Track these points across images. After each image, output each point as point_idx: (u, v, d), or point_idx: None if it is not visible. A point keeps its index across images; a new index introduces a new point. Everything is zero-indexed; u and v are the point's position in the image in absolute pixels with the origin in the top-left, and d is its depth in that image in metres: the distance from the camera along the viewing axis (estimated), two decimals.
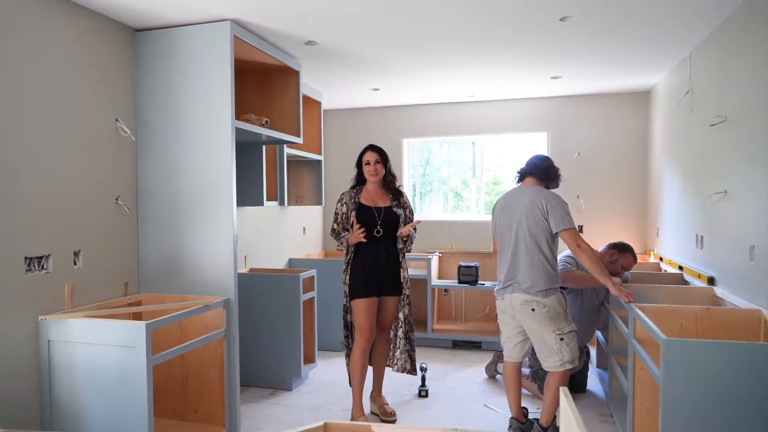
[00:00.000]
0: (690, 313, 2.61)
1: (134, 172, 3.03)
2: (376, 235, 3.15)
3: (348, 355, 3.27)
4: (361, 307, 3.14)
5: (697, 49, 3.52)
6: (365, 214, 3.17)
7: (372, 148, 3.25)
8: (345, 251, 3.23)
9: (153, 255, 3.03)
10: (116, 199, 2.89)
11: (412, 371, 3.32)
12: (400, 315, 3.29)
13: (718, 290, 3.04)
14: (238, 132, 3.17)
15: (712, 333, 2.56)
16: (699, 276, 3.35)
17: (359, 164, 3.26)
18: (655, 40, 3.40)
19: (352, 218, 3.18)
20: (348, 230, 3.20)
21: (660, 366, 2.08)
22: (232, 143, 2.91)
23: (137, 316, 2.85)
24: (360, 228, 3.11)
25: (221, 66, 2.89)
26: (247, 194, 3.80)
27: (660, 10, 2.85)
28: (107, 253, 2.83)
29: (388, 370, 3.43)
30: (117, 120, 2.89)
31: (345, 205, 3.21)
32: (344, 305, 3.25)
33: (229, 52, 2.88)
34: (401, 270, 3.26)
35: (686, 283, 3.55)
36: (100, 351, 2.37)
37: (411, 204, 3.38)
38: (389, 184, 3.26)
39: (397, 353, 3.32)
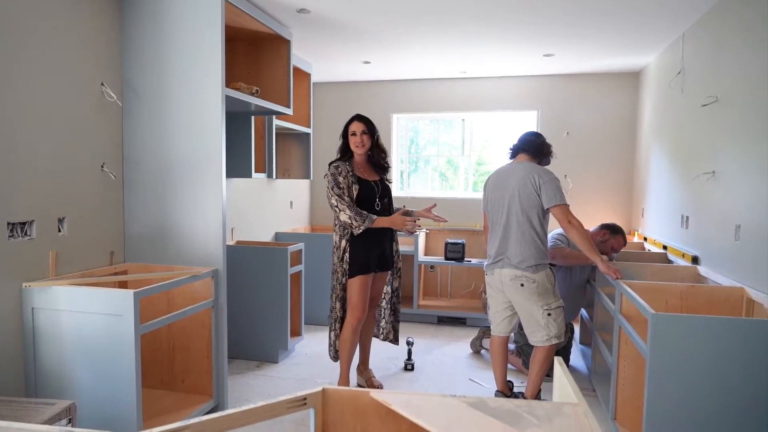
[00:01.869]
0: (675, 290, 2.66)
1: (120, 139, 2.95)
2: (377, 209, 3.06)
3: (332, 330, 3.17)
4: (361, 284, 3.05)
5: (690, 30, 3.52)
6: (367, 189, 3.05)
7: (359, 117, 3.11)
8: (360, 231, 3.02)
9: (140, 224, 2.97)
10: (102, 166, 2.81)
11: (394, 341, 3.40)
12: (389, 287, 3.31)
13: (702, 269, 3.09)
14: (228, 101, 3.09)
15: (696, 310, 2.61)
16: (683, 255, 3.41)
17: (345, 134, 3.12)
18: (648, 20, 3.38)
19: (406, 210, 3.24)
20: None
21: (647, 340, 2.12)
22: (222, 111, 2.84)
23: (123, 285, 2.80)
24: (413, 221, 3.03)
25: (211, 31, 2.80)
26: (236, 165, 3.74)
27: None
28: (93, 221, 2.77)
29: (375, 342, 3.45)
30: (102, 84, 2.80)
31: (346, 178, 3.01)
32: (341, 283, 3.09)
33: (220, 16, 2.79)
34: (394, 244, 3.25)
35: (670, 262, 3.61)
36: (86, 319, 2.33)
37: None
38: (376, 158, 3.15)
39: (383, 323, 3.37)
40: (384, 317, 3.37)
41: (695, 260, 3.24)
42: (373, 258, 3.08)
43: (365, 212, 2.97)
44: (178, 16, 2.84)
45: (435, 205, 3.28)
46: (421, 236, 5.07)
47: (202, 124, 2.85)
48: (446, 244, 4.85)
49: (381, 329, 3.39)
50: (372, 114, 3.24)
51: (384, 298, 3.35)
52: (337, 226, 3.09)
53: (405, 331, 4.32)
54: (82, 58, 2.67)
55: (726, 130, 2.91)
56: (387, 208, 3.13)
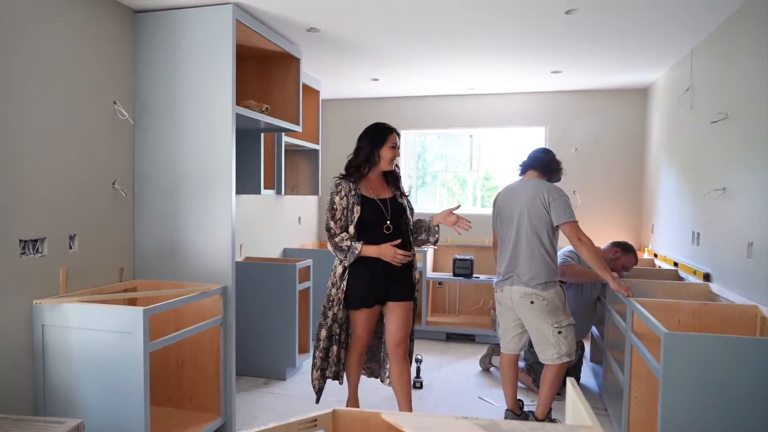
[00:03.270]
0: (688, 308, 2.63)
1: (132, 156, 2.98)
2: (386, 232, 2.64)
3: (313, 364, 2.75)
4: (363, 317, 2.70)
5: (698, 46, 3.52)
6: (371, 209, 2.64)
7: (396, 131, 2.75)
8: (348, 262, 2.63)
9: (149, 241, 2.99)
10: (113, 184, 2.84)
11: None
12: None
13: (714, 286, 3.06)
14: (238, 119, 3.12)
15: (709, 328, 2.57)
16: (694, 272, 3.37)
17: (375, 143, 2.68)
18: (657, 36, 3.39)
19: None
20: (349, 232, 2.63)
21: (660, 359, 2.09)
22: (232, 129, 2.87)
23: (132, 302, 2.81)
24: (404, 254, 2.61)
25: (223, 50, 2.85)
26: (245, 182, 3.76)
27: (664, 5, 2.85)
28: (103, 238, 2.79)
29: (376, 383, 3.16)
30: (115, 103, 2.84)
31: (345, 198, 2.63)
32: (333, 312, 2.67)
33: (231, 36, 2.84)
34: (413, 270, 2.78)
35: (681, 279, 3.57)
36: (96, 336, 2.34)
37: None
38: (393, 173, 2.78)
39: (388, 364, 2.87)
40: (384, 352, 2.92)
41: (707, 277, 3.21)
42: (380, 286, 2.67)
43: (348, 244, 2.58)
44: (190, 35, 2.89)
45: (459, 206, 2.86)
46: (429, 251, 5.05)
47: (212, 142, 2.88)
48: (454, 260, 4.83)
49: (387, 372, 2.90)
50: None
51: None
52: None
53: (417, 349, 4.28)
54: (96, 77, 2.72)
55: (736, 146, 2.89)
56: (402, 228, 2.71)
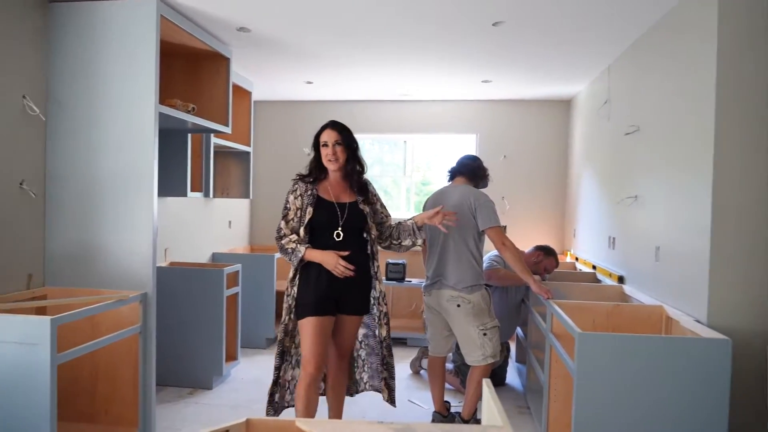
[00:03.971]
0: (602, 310, 2.77)
1: (43, 154, 2.80)
2: (336, 239, 2.47)
3: (275, 382, 2.55)
4: (311, 328, 2.43)
5: (615, 62, 3.74)
6: (325, 212, 2.48)
7: (332, 125, 2.55)
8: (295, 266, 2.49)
9: (62, 245, 2.81)
10: (20, 184, 2.65)
11: (390, 401, 2.72)
12: (374, 336, 2.69)
13: (627, 288, 3.25)
14: (162, 118, 3.00)
15: (620, 328, 2.73)
16: (610, 275, 3.57)
17: (315, 145, 2.57)
18: (578, 52, 3.58)
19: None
20: (299, 234, 2.48)
21: (574, 358, 2.19)
22: (155, 129, 2.75)
23: (41, 311, 2.63)
24: (347, 266, 2.42)
25: (146, 47, 2.73)
26: (170, 184, 3.62)
27: (584, 22, 3.00)
28: (7, 243, 2.59)
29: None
30: (24, 97, 2.65)
31: (300, 198, 2.50)
32: (284, 325, 2.52)
33: (155, 32, 2.72)
34: (374, 282, 2.59)
35: (599, 281, 3.77)
36: (2, 348, 2.16)
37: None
38: (353, 175, 2.56)
39: (365, 376, 2.75)
40: (363, 369, 2.76)
41: (621, 280, 3.40)
42: (331, 295, 2.48)
43: (293, 246, 2.44)
44: (110, 29, 2.75)
45: (443, 207, 2.65)
46: None
47: (133, 141, 2.75)
48: (387, 264, 4.86)
49: (357, 383, 2.77)
50: (314, 134, 3.14)
51: (361, 346, 2.74)
52: None
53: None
54: (2, 70, 2.53)
55: (647, 157, 3.09)
56: (355, 237, 2.52)
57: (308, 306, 2.46)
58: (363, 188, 2.60)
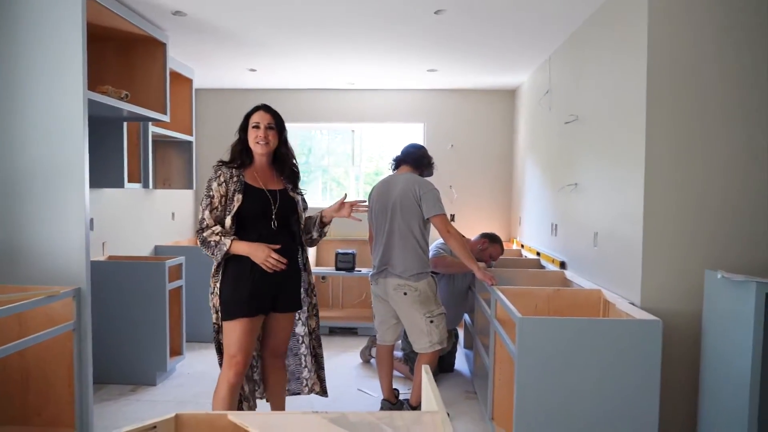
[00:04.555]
0: (543, 294, 2.86)
1: None
2: (272, 228, 2.32)
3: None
4: (240, 329, 2.26)
5: (555, 53, 3.84)
6: (256, 200, 2.31)
7: (266, 108, 2.40)
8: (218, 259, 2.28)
9: None
10: None
11: (322, 392, 2.68)
12: (304, 329, 2.58)
13: (568, 273, 3.36)
14: (94, 105, 2.86)
15: (561, 312, 2.82)
16: (553, 261, 3.68)
17: (244, 128, 2.39)
18: (519, 41, 3.64)
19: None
20: (224, 225, 2.29)
21: (515, 342, 2.25)
22: (83, 116, 2.61)
23: None
24: (278, 259, 2.26)
25: (71, 29, 2.57)
26: (105, 175, 3.46)
27: (523, 12, 3.06)
28: None
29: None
30: None
31: (224, 185, 2.29)
32: (214, 324, 2.37)
33: (81, 14, 2.57)
34: (305, 275, 2.51)
35: (542, 267, 3.88)
36: None
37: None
38: (283, 160, 2.43)
39: (305, 373, 2.64)
40: (306, 366, 2.64)
41: (563, 265, 3.51)
42: (265, 293, 2.32)
43: (217, 238, 2.24)
44: (30, 12, 2.58)
45: (345, 196, 2.55)
46: (311, 250, 5.01)
47: (60, 130, 2.60)
48: (336, 254, 4.84)
49: (305, 382, 2.66)
50: None
51: (302, 342, 2.61)
52: None
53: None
54: None
55: (585, 146, 3.19)
56: (288, 228, 2.41)
57: (239, 305, 2.27)
58: (292, 176, 2.47)
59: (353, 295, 5.28)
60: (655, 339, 2.17)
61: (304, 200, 2.55)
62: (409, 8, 3.01)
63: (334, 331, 4.82)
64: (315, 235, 2.54)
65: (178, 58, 4.11)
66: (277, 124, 2.40)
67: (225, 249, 2.24)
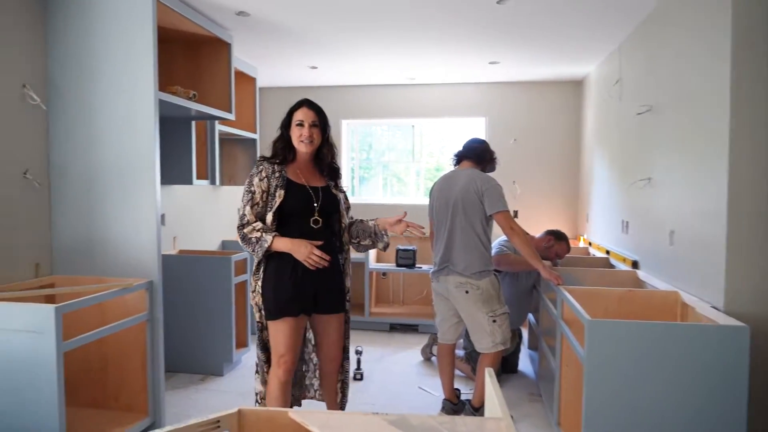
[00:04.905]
0: (614, 295, 2.71)
1: (45, 144, 2.79)
2: (314, 226, 2.26)
3: (263, 383, 2.37)
4: (286, 329, 2.22)
5: (625, 42, 3.63)
6: (298, 196, 2.25)
7: (308, 104, 2.33)
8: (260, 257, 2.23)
9: (69, 234, 2.81)
10: (24, 174, 2.65)
11: (342, 407, 2.50)
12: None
13: (641, 273, 3.17)
14: (165, 105, 2.99)
15: (633, 314, 2.66)
16: (624, 260, 3.49)
17: (287, 124, 2.34)
18: (588, 31, 3.47)
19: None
20: (265, 221, 2.23)
21: (584, 346, 2.14)
22: (155, 116, 2.73)
23: (50, 299, 2.64)
24: (321, 256, 2.19)
25: (143, 32, 2.69)
26: (175, 172, 3.61)
27: (589, 1, 2.91)
28: (15, 233, 2.60)
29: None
30: (24, 86, 2.64)
31: (266, 180, 2.24)
32: (258, 323, 2.32)
33: (151, 17, 2.68)
34: (345, 277, 2.41)
35: (612, 266, 3.69)
36: (4, 336, 2.18)
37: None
38: (324, 158, 2.38)
39: (316, 383, 2.54)
40: (314, 374, 2.54)
41: (635, 265, 3.33)
42: (306, 291, 2.25)
43: (258, 235, 2.19)
44: (107, 14, 2.72)
45: (405, 214, 2.45)
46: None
47: (134, 129, 2.73)
48: (397, 250, 4.82)
49: (307, 389, 2.56)
50: None
51: (313, 349, 2.49)
52: None
53: (357, 340, 4.26)
54: (2, 58, 2.51)
55: (659, 138, 3.00)
56: (331, 226, 2.35)
57: (282, 304, 2.22)
58: (334, 173, 2.41)
59: (414, 291, 5.25)
60: (742, 346, 2.00)
61: (346, 198, 2.47)
62: (470, 0, 2.93)
63: (395, 328, 4.81)
64: (367, 242, 2.44)
65: (242, 58, 4.22)
66: (321, 121, 2.32)
67: (266, 246, 2.17)
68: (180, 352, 3.62)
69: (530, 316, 4.04)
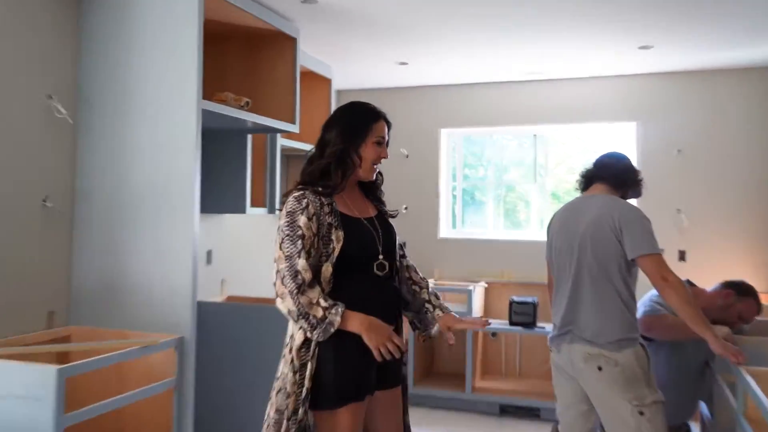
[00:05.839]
0: None
1: (71, 165, 3.00)
2: (379, 273, 2.10)
3: None
4: (351, 418, 2.01)
5: None
6: (358, 236, 2.09)
7: (384, 117, 2.23)
8: (318, 331, 1.95)
9: (90, 275, 2.97)
10: (43, 201, 2.83)
11: None
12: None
13: None
14: (211, 116, 3.08)
15: None
16: None
17: (352, 136, 2.12)
18: None
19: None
20: (322, 278, 2.01)
21: None
22: (197, 130, 2.84)
23: (62, 358, 2.77)
24: (398, 346, 2.00)
25: (187, 31, 2.85)
26: (226, 198, 3.72)
27: None
28: (28, 274, 2.78)
29: None
30: (50, 97, 2.84)
31: (315, 218, 2.03)
32: (293, 412, 1.99)
33: (197, 11, 2.81)
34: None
35: None
36: (2, 403, 2.27)
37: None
38: (378, 183, 2.31)
39: None
40: None
41: None
42: (368, 365, 2.05)
43: (320, 314, 1.93)
44: (145, 12, 2.90)
45: (488, 323, 2.31)
46: (478, 291, 4.84)
47: (172, 146, 2.88)
48: (511, 302, 4.66)
49: None
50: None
51: None
52: None
53: (456, 424, 4.08)
54: (25, 63, 2.74)
55: None
56: (393, 270, 2.21)
57: (346, 385, 2.01)
58: (377, 195, 2.30)
59: (534, 360, 5.06)
60: None
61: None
62: None
63: (506, 411, 4.63)
64: (411, 315, 2.31)
65: (313, 55, 4.33)
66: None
67: (336, 324, 1.95)
68: (221, 420, 3.65)
69: (703, 406, 3.65)
